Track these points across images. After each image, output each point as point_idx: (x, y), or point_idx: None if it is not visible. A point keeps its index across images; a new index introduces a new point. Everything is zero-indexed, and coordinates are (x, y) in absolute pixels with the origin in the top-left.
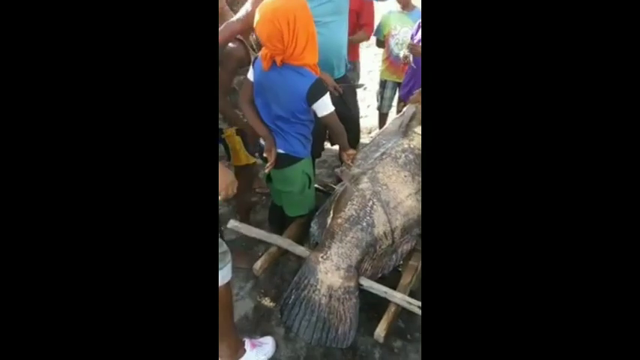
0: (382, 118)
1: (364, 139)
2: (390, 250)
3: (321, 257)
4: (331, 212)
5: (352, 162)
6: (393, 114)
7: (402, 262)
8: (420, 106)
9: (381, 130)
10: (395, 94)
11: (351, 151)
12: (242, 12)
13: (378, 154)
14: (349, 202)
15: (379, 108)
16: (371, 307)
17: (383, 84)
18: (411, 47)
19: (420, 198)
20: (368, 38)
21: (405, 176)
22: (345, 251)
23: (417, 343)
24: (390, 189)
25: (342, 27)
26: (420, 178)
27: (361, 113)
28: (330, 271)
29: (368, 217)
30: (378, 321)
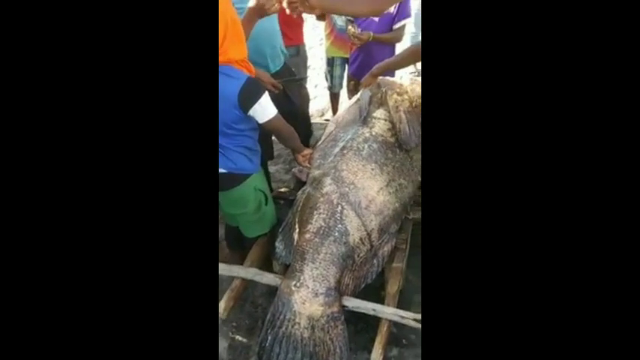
0: (334, 97)
1: (317, 121)
2: (370, 255)
3: (294, 285)
4: (296, 226)
5: (310, 163)
6: (344, 92)
7: (384, 266)
8: (374, 89)
9: (336, 119)
10: (344, 70)
11: (307, 151)
12: None
13: (337, 149)
14: (315, 212)
15: (330, 88)
16: (358, 318)
17: (330, 62)
18: (354, 37)
19: (392, 190)
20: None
21: (373, 169)
22: (320, 272)
23: (415, 348)
24: (359, 187)
25: None
26: (389, 168)
27: (309, 95)
28: (308, 300)
29: (340, 226)
30: (368, 333)
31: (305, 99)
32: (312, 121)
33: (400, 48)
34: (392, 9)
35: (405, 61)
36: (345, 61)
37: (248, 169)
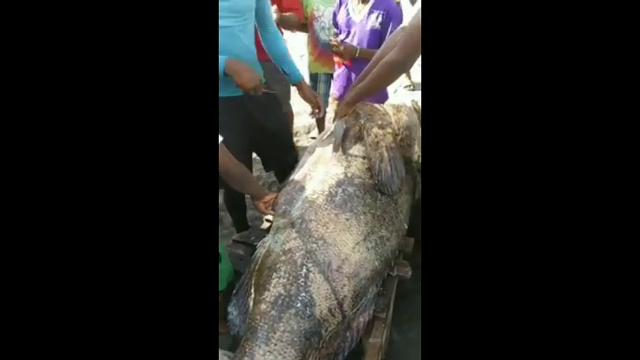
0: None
1: (303, 141)
2: (342, 328)
3: None
4: (252, 290)
5: (274, 210)
6: (330, 111)
7: (360, 339)
8: (351, 119)
9: (311, 148)
10: (329, 88)
11: (269, 197)
12: None
13: (306, 193)
14: (274, 274)
15: None
16: None
17: (314, 78)
18: (336, 47)
19: (370, 245)
20: (300, 20)
21: (347, 219)
22: (274, 358)
23: None
24: (329, 243)
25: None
26: (367, 217)
27: (296, 109)
28: None
29: (303, 294)
30: None
31: (285, 118)
32: (297, 138)
33: None
34: (377, 25)
35: (378, 81)
36: (330, 77)
37: None
